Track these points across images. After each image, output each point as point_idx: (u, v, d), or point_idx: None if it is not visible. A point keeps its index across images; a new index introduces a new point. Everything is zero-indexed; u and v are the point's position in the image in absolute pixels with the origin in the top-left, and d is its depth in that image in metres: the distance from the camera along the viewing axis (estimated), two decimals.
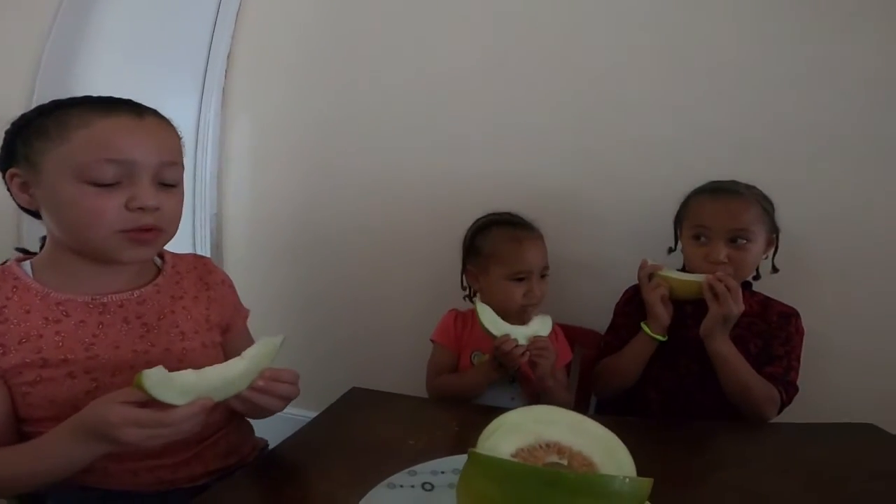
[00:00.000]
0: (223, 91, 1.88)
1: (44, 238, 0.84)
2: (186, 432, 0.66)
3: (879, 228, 1.38)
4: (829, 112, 1.38)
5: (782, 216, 1.24)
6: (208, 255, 1.87)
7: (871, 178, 1.38)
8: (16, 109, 2.14)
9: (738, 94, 1.43)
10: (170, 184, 0.80)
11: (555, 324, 1.28)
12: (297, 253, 1.83)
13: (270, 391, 0.74)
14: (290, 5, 1.80)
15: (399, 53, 1.69)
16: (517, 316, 1.21)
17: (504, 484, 0.48)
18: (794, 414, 1.13)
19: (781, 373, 1.13)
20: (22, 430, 0.76)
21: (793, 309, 1.20)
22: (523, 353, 1.07)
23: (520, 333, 1.10)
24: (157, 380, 0.62)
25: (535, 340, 1.09)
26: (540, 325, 1.14)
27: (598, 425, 0.59)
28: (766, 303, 1.22)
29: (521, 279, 1.18)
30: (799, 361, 1.16)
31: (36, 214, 0.81)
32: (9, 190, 0.79)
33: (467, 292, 1.32)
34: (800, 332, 1.19)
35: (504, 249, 1.20)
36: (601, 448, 0.56)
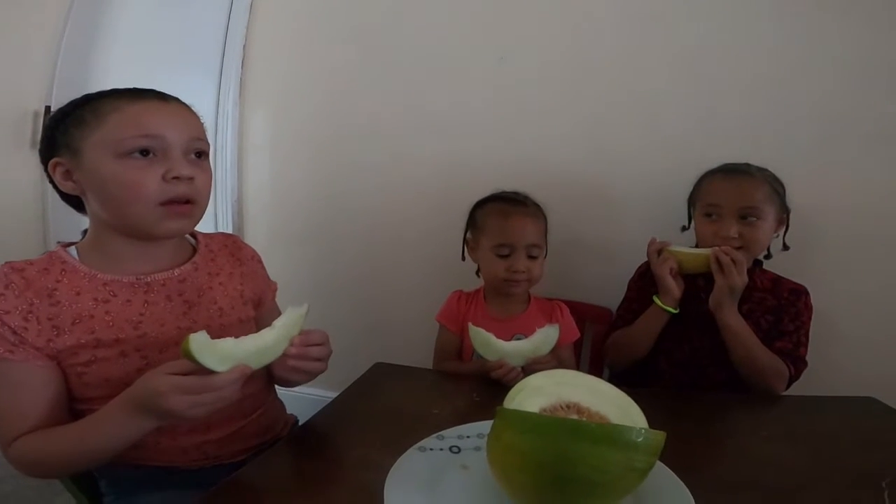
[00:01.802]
0: (240, 82, 1.91)
1: (85, 231, 0.88)
2: (227, 399, 0.69)
3: (887, 212, 1.41)
4: (839, 98, 1.40)
5: (792, 200, 1.27)
6: None
7: (878, 163, 1.40)
8: (36, 102, 2.20)
9: (750, 81, 1.45)
10: (199, 158, 0.85)
11: (562, 302, 1.31)
12: (314, 237, 1.88)
13: (303, 355, 0.79)
14: None
15: (412, 42, 1.71)
16: (502, 292, 1.24)
17: (531, 435, 0.53)
18: (801, 389, 1.16)
19: (791, 347, 1.17)
20: (76, 408, 0.80)
21: (802, 286, 1.23)
22: (520, 373, 1.02)
23: (520, 351, 1.04)
24: (201, 342, 0.65)
25: (533, 363, 1.04)
26: (542, 340, 1.06)
27: (613, 388, 0.63)
28: (777, 280, 1.25)
29: (506, 255, 1.21)
30: (808, 337, 1.20)
31: (77, 204, 0.86)
32: (51, 181, 0.83)
33: (476, 270, 1.35)
34: (809, 308, 1.22)
35: (491, 222, 1.24)
36: (616, 408, 0.60)
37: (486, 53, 1.64)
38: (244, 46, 1.91)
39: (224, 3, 1.93)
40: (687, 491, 0.60)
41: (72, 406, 0.81)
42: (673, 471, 0.64)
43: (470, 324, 1.09)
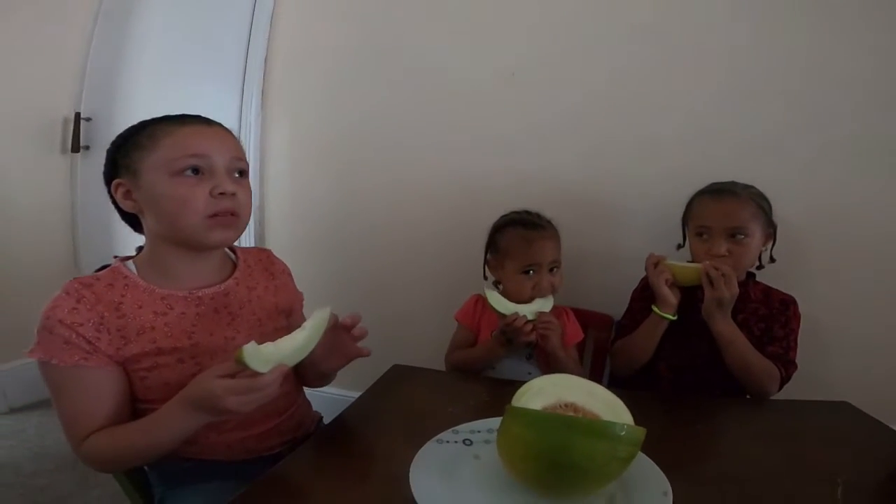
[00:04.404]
0: (262, 94, 2.00)
1: (139, 248, 0.97)
2: (270, 395, 0.78)
3: (869, 225, 1.48)
4: (827, 114, 1.48)
5: (781, 213, 1.35)
6: (253, 245, 2.02)
7: (862, 177, 1.47)
8: (66, 108, 2.28)
9: (742, 98, 1.53)
10: (241, 176, 0.95)
11: (568, 307, 1.41)
12: (333, 245, 1.97)
13: (357, 322, 0.94)
14: (320, 11, 1.91)
15: (425, 59, 1.80)
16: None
17: (534, 428, 0.63)
18: (791, 392, 1.24)
19: (781, 352, 1.25)
20: (138, 407, 0.90)
21: (791, 297, 1.32)
22: (532, 329, 1.23)
23: (525, 311, 1.26)
24: (252, 352, 0.76)
25: (539, 315, 1.26)
26: (542, 304, 1.30)
27: (606, 391, 0.73)
28: (767, 291, 1.34)
29: (530, 272, 1.32)
30: (797, 342, 1.28)
31: (134, 221, 0.95)
32: (113, 200, 0.93)
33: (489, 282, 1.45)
34: (797, 316, 1.31)
35: (515, 246, 1.34)
36: (608, 408, 0.70)
37: (501, 75, 1.72)
38: (265, 59, 1.99)
39: (246, 17, 2.01)
40: (664, 478, 0.70)
41: (134, 406, 0.90)
42: (657, 463, 0.73)
43: (485, 287, 1.34)
